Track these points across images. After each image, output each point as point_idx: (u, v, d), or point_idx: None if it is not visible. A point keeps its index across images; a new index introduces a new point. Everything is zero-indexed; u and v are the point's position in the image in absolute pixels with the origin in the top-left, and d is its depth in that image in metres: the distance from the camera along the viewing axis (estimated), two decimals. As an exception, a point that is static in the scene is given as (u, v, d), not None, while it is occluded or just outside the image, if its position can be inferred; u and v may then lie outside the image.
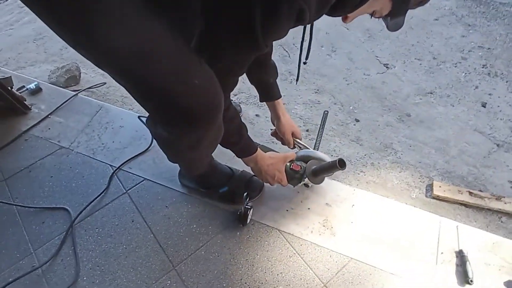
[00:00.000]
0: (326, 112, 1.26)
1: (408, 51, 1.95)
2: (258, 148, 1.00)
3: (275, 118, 1.17)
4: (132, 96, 0.72)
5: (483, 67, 1.85)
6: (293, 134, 1.19)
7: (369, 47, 1.97)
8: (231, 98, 1.65)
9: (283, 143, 1.23)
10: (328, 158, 1.07)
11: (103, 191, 1.22)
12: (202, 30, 0.67)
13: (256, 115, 1.61)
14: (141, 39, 0.58)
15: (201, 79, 0.67)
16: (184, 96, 0.66)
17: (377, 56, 1.92)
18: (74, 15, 0.54)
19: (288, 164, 1.08)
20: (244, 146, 0.95)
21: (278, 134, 1.21)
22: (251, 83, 1.12)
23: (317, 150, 1.19)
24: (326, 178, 1.24)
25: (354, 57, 1.91)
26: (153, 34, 0.60)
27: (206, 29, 0.67)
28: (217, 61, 0.70)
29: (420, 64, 1.88)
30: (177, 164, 1.22)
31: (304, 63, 0.91)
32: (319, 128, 1.24)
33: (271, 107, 1.16)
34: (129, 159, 1.30)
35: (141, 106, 0.75)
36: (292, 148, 1.22)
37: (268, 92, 1.13)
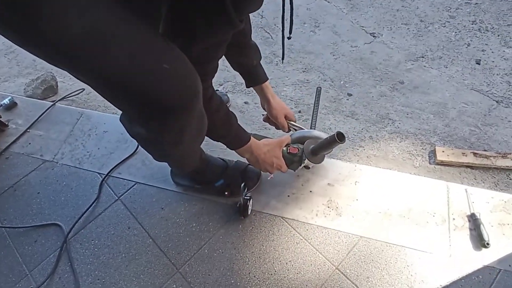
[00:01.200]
0: (319, 89, 1.19)
1: (394, 17, 1.88)
2: (252, 137, 0.93)
3: (265, 102, 1.11)
4: (100, 94, 0.66)
5: (472, 24, 1.78)
6: (286, 117, 1.13)
7: (353, 17, 1.90)
8: (216, 88, 1.59)
9: (277, 128, 1.17)
10: (324, 135, 1.01)
11: (94, 201, 1.16)
12: (170, 16, 0.61)
13: (245, 102, 1.55)
14: (94, 24, 0.52)
15: (172, 64, 0.60)
16: (154, 83, 0.59)
17: (362, 26, 1.85)
18: (16, 10, 0.47)
19: (284, 148, 1.02)
20: (235, 137, 0.89)
21: (270, 118, 1.14)
22: (234, 69, 1.05)
23: (314, 128, 1.13)
24: (325, 157, 1.19)
25: (339, 30, 1.84)
26: (108, 17, 0.53)
27: (174, 13, 0.60)
28: (191, 46, 0.64)
29: (408, 28, 1.81)
30: (167, 164, 1.16)
31: (289, 38, 0.85)
32: (314, 106, 1.17)
33: (259, 91, 1.09)
34: (117, 165, 1.24)
35: (113, 104, 0.68)
36: (287, 132, 1.16)
37: (253, 76, 1.05)
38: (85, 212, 1.14)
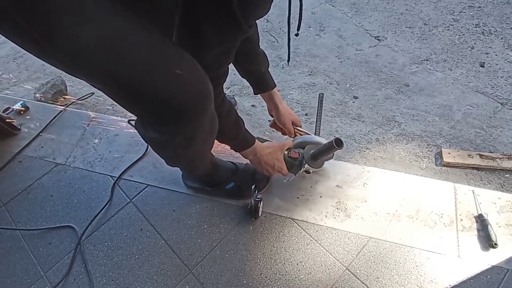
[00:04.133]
0: (321, 95, 1.21)
1: (398, 20, 1.90)
2: (256, 140, 0.96)
3: (273, 108, 1.12)
4: (115, 101, 0.68)
5: (476, 27, 1.80)
6: (293, 123, 1.15)
7: (357, 21, 1.92)
8: (224, 92, 1.61)
9: (283, 133, 1.19)
10: (325, 141, 1.03)
11: (106, 203, 1.18)
12: (181, 24, 0.63)
13: (252, 105, 1.57)
14: (109, 32, 0.53)
15: (184, 69, 0.62)
16: (169, 88, 0.61)
17: (367, 30, 1.87)
18: (30, 20, 0.49)
19: (286, 152, 1.06)
20: (242, 140, 0.92)
21: (277, 124, 1.16)
22: (242, 76, 1.06)
23: (318, 134, 1.15)
24: (332, 160, 1.22)
25: (344, 34, 1.86)
26: (123, 26, 0.55)
27: (185, 22, 0.62)
28: (203, 53, 0.66)
29: (412, 32, 1.83)
30: (179, 168, 1.18)
31: (296, 35, 0.86)
32: (317, 112, 1.19)
33: (267, 98, 1.10)
34: (128, 167, 1.26)
35: (127, 109, 0.70)
36: (293, 138, 1.18)
37: (262, 83, 1.06)
38: (98, 214, 1.16)
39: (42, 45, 0.52)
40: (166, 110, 0.64)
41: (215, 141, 0.89)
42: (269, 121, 1.21)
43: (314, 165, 1.05)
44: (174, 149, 0.81)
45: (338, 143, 0.92)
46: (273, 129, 1.21)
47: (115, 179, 1.24)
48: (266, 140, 1.14)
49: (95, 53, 0.54)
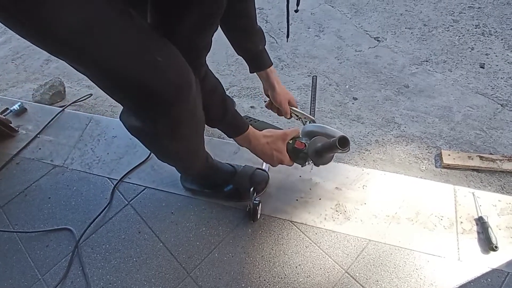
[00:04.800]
0: (314, 77, 1.15)
1: (397, 21, 1.89)
2: (250, 126, 0.89)
3: (270, 88, 1.07)
4: (98, 85, 0.67)
5: (476, 28, 1.80)
6: (289, 103, 1.09)
7: (357, 22, 1.91)
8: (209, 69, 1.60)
9: (279, 114, 1.14)
10: (338, 133, 0.91)
11: (106, 206, 1.17)
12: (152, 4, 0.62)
13: (251, 106, 1.56)
14: (93, 17, 0.53)
15: (164, 56, 0.62)
16: (149, 74, 0.61)
17: (366, 31, 1.86)
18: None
19: (291, 142, 0.95)
20: (232, 122, 0.85)
21: (273, 104, 1.11)
22: (239, 54, 1.02)
23: (313, 115, 1.09)
24: (331, 162, 1.20)
25: (343, 35, 1.85)
26: (104, 10, 0.55)
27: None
28: (180, 23, 0.64)
29: (412, 33, 1.82)
30: (175, 168, 1.17)
31: (296, 11, 0.84)
32: (311, 94, 1.13)
33: (263, 77, 1.05)
34: (130, 170, 1.24)
35: (109, 94, 0.70)
36: (288, 118, 1.13)
37: (258, 61, 1.02)
38: (97, 217, 1.15)
39: (24, 24, 0.52)
40: (146, 96, 0.65)
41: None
42: (265, 101, 1.17)
43: (318, 162, 0.92)
44: (159, 140, 0.79)
45: (342, 143, 0.78)
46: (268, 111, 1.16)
47: (115, 182, 1.23)
48: (270, 126, 1.04)
49: (76, 33, 0.54)
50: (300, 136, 0.97)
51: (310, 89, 1.13)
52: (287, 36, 0.92)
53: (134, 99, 0.67)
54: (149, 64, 0.61)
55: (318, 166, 0.96)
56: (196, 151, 0.96)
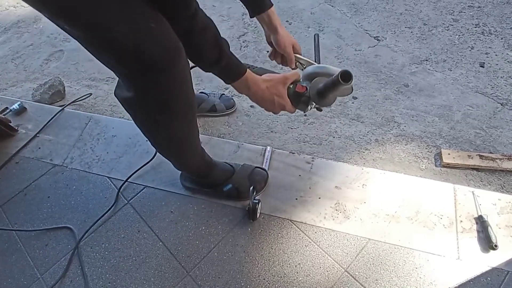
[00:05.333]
0: (316, 34, 1.07)
1: (397, 20, 1.89)
2: (249, 70, 0.82)
3: (272, 31, 1.00)
4: (92, 52, 0.68)
5: (476, 27, 1.80)
6: (293, 48, 1.02)
7: (357, 21, 1.91)
8: (222, 92, 1.60)
9: (283, 63, 1.07)
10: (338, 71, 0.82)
11: (110, 207, 1.17)
12: None
13: (251, 106, 1.56)
14: None
15: (157, 23, 0.65)
16: (141, 38, 0.64)
17: (366, 30, 1.86)
18: None
19: (291, 86, 0.88)
20: (227, 66, 0.78)
21: (277, 53, 1.05)
22: None
23: (319, 63, 0.98)
24: (331, 161, 1.20)
25: (343, 34, 1.85)
26: None
27: None
28: None
29: (411, 32, 1.82)
30: (171, 162, 1.16)
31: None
32: (315, 45, 1.04)
33: (265, 20, 0.98)
34: (136, 171, 1.23)
35: (102, 59, 0.71)
36: (293, 68, 1.05)
37: (259, 2, 0.96)
38: (99, 218, 1.14)
39: None
40: (140, 61, 0.66)
41: None
42: (267, 51, 1.07)
43: (321, 104, 0.86)
44: (151, 114, 0.79)
45: (344, 77, 0.72)
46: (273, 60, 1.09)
47: (114, 181, 1.23)
48: (269, 71, 0.93)
49: (74, 2, 0.57)
50: (301, 80, 0.90)
51: (314, 46, 1.03)
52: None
53: (128, 64, 0.68)
54: (144, 29, 0.64)
55: (321, 109, 0.91)
56: (189, 139, 0.94)
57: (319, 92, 0.83)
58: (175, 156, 1.03)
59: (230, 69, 0.79)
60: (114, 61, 0.69)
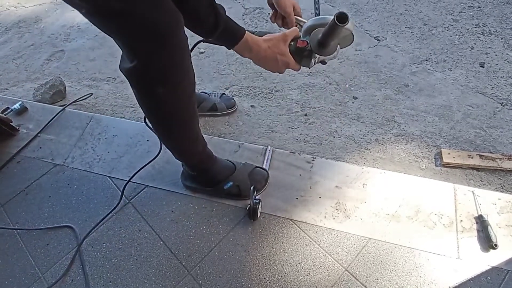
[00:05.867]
0: None
1: (397, 20, 1.89)
2: (247, 32, 0.82)
3: None
4: (96, 23, 0.70)
5: (476, 27, 1.80)
6: (294, 9, 1.01)
7: (357, 21, 1.92)
8: (222, 92, 1.61)
9: (283, 25, 1.06)
10: None
11: (115, 207, 1.17)
12: None
13: (252, 106, 1.56)
14: None
15: None
16: (146, 6, 0.66)
17: (366, 30, 1.87)
18: None
19: (292, 43, 0.87)
20: (226, 30, 0.78)
21: (277, 14, 1.04)
22: None
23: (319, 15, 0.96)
24: (331, 161, 1.21)
25: (343, 34, 1.85)
26: None
27: None
28: None
29: (411, 32, 1.83)
30: (178, 166, 1.18)
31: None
32: (315, 7, 1.02)
33: None
34: (138, 170, 1.23)
35: (105, 31, 0.72)
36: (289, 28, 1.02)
37: None
38: (103, 219, 1.15)
39: None
40: (142, 27, 0.68)
41: None
42: (269, 14, 1.05)
43: (324, 53, 0.85)
44: (152, 85, 0.80)
45: (341, 18, 0.72)
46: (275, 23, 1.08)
47: (115, 180, 1.23)
48: (266, 33, 0.92)
49: None
50: (301, 36, 0.89)
51: (315, 6, 1.00)
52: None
53: (129, 31, 0.70)
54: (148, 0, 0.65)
55: (325, 62, 0.91)
56: (189, 119, 0.94)
57: (320, 42, 0.82)
58: (176, 138, 1.01)
59: (228, 33, 0.79)
60: (116, 31, 0.71)
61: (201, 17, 0.75)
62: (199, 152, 1.07)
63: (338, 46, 0.87)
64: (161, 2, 0.68)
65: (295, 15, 1.01)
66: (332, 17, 0.76)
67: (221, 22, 0.76)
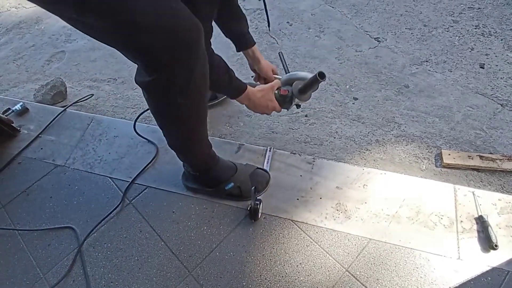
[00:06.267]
0: (280, 53, 1.35)
1: (398, 21, 1.90)
2: (248, 85, 1.04)
3: (255, 62, 1.30)
4: (112, 42, 0.72)
5: (476, 28, 1.80)
6: (272, 71, 1.33)
7: (357, 22, 1.92)
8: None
9: (265, 83, 1.27)
10: (309, 75, 1.11)
11: (115, 208, 1.17)
12: None
13: (252, 106, 1.57)
14: None
15: (177, 4, 0.70)
16: (169, 17, 0.68)
17: (366, 31, 1.87)
18: None
19: (276, 92, 1.12)
20: (235, 87, 1.02)
21: (260, 76, 1.33)
22: (227, 36, 1.22)
23: (289, 72, 1.28)
24: (332, 161, 1.22)
25: (344, 35, 1.86)
26: None
27: None
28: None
29: (412, 33, 1.83)
30: (179, 167, 1.18)
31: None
32: (282, 63, 1.31)
33: (249, 54, 1.28)
34: (141, 171, 1.25)
35: (124, 50, 0.74)
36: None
37: (245, 41, 1.24)
38: (103, 219, 1.15)
39: None
40: (166, 37, 0.70)
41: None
42: (252, 76, 1.39)
43: (303, 99, 1.13)
44: (174, 97, 0.82)
45: (321, 75, 1.01)
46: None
47: (116, 181, 1.24)
48: (257, 85, 1.18)
49: None
50: (281, 86, 1.16)
51: (281, 62, 1.33)
52: (268, 25, 1.12)
53: (156, 44, 0.71)
54: (167, 10, 0.68)
55: (299, 106, 1.22)
56: (202, 122, 0.99)
57: (301, 90, 1.10)
58: (188, 143, 1.04)
59: (237, 88, 1.02)
60: (141, 43, 0.72)
61: (220, 81, 0.97)
62: (205, 153, 1.08)
63: (311, 93, 1.13)
64: (182, 13, 0.71)
65: (273, 74, 1.33)
66: (301, 72, 1.13)
67: (233, 82, 1.00)
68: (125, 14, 0.64)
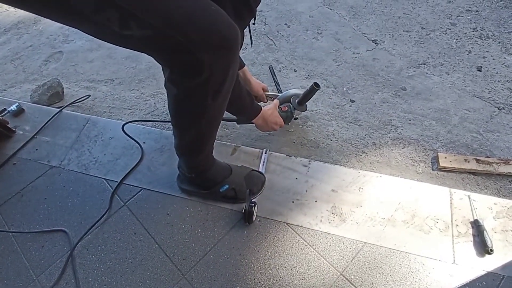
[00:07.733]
0: (271, 66, 1.52)
1: (395, 24, 1.90)
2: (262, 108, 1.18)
3: (247, 83, 1.37)
4: (150, 47, 0.74)
5: (473, 31, 1.80)
6: (263, 89, 1.43)
7: (355, 24, 1.92)
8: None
9: (257, 100, 1.44)
10: (299, 91, 1.32)
11: (106, 212, 1.17)
12: None
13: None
14: None
15: (215, 6, 0.72)
16: (212, 17, 0.71)
17: (364, 33, 1.87)
18: None
19: (277, 110, 1.28)
20: (254, 107, 1.13)
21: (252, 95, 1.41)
22: None
23: (281, 91, 1.52)
24: (327, 164, 1.21)
25: (341, 37, 1.86)
26: None
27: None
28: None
29: (409, 36, 1.83)
30: (174, 169, 1.18)
31: (253, 23, 1.04)
32: (273, 78, 1.50)
33: (240, 76, 1.32)
34: (128, 173, 1.25)
35: (163, 55, 0.76)
36: (265, 102, 1.48)
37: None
38: (95, 223, 1.14)
39: None
40: (210, 35, 0.72)
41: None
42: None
43: (301, 109, 1.33)
44: (205, 98, 0.82)
45: (317, 85, 1.21)
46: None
47: (111, 183, 1.23)
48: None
49: None
50: (280, 105, 1.33)
51: (272, 76, 1.48)
52: (251, 43, 1.18)
53: (198, 39, 0.72)
54: (209, 11, 0.71)
55: (297, 118, 1.41)
56: (218, 124, 1.00)
57: (299, 102, 1.31)
58: (199, 143, 1.02)
59: (255, 109, 1.15)
60: (185, 45, 0.72)
61: (244, 102, 1.07)
62: (209, 153, 1.08)
63: (307, 105, 1.34)
64: (223, 15, 0.74)
65: (264, 92, 1.44)
66: (293, 90, 1.36)
67: (254, 103, 1.13)
68: (170, 17, 0.66)
